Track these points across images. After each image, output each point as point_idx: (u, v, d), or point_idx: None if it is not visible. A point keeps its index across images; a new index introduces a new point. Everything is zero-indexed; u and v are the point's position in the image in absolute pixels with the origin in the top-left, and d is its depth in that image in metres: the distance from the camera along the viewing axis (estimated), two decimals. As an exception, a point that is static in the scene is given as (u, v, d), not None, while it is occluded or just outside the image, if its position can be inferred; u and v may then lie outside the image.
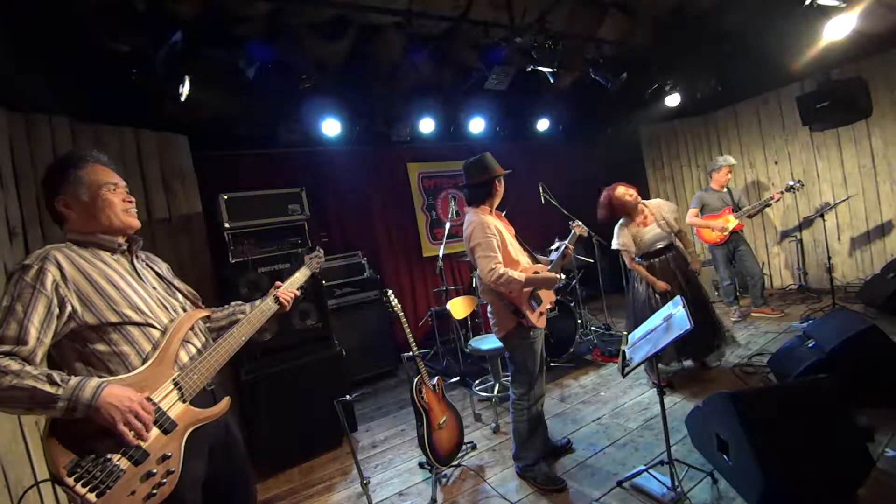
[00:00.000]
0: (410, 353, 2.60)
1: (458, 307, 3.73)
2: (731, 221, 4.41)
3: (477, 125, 5.21)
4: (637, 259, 3.30)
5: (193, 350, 1.37)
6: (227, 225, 3.14)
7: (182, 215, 3.36)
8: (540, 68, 3.81)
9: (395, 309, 2.66)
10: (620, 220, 3.32)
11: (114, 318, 1.21)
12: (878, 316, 3.76)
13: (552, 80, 4.08)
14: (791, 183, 4.38)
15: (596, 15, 4.14)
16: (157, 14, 2.84)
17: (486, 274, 2.16)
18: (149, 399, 1.17)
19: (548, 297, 2.39)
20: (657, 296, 3.16)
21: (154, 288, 1.38)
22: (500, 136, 5.63)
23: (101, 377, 1.15)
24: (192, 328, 1.39)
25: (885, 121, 4.44)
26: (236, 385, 2.96)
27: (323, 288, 3.44)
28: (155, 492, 1.12)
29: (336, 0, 3.26)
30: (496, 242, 2.21)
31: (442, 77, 4.41)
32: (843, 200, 4.70)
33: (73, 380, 1.08)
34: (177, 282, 1.54)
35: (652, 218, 3.24)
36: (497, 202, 2.41)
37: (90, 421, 1.07)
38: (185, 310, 1.43)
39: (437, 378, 2.67)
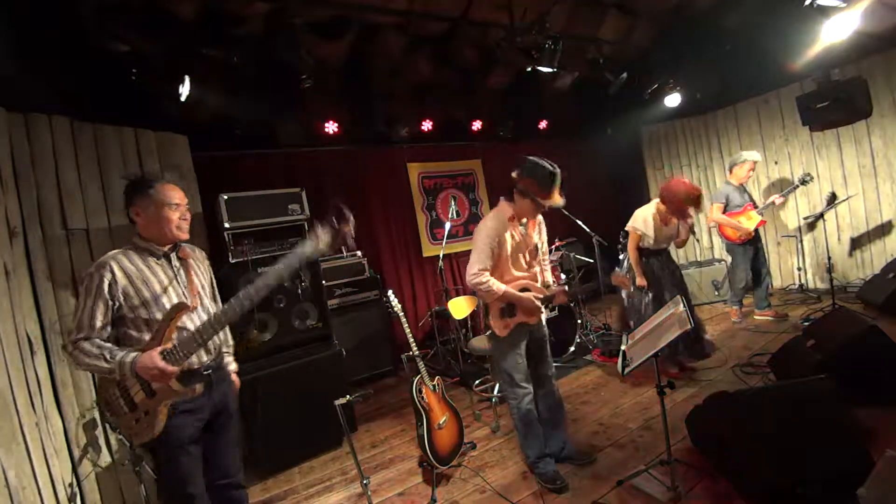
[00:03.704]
0: (410, 353, 2.60)
1: (458, 307, 3.73)
2: (755, 218, 4.18)
3: (477, 125, 5.21)
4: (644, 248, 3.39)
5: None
6: (227, 225, 3.14)
7: (182, 215, 3.35)
8: (540, 68, 3.81)
9: (395, 309, 2.67)
10: (652, 210, 3.30)
11: (144, 315, 1.64)
12: (878, 316, 3.76)
13: (552, 80, 4.08)
14: (801, 176, 4.37)
15: (596, 15, 4.15)
16: (157, 14, 2.84)
17: (469, 275, 2.30)
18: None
19: (523, 315, 2.38)
20: (654, 297, 3.29)
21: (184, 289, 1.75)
22: (500, 136, 5.62)
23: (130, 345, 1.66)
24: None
25: (885, 121, 4.43)
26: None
27: (323, 288, 3.44)
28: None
29: (336, 0, 3.26)
30: (492, 247, 2.29)
31: (442, 77, 4.41)
32: (843, 200, 4.69)
33: (118, 356, 1.55)
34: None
35: (673, 221, 3.30)
36: (521, 211, 2.39)
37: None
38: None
39: (437, 378, 2.67)
